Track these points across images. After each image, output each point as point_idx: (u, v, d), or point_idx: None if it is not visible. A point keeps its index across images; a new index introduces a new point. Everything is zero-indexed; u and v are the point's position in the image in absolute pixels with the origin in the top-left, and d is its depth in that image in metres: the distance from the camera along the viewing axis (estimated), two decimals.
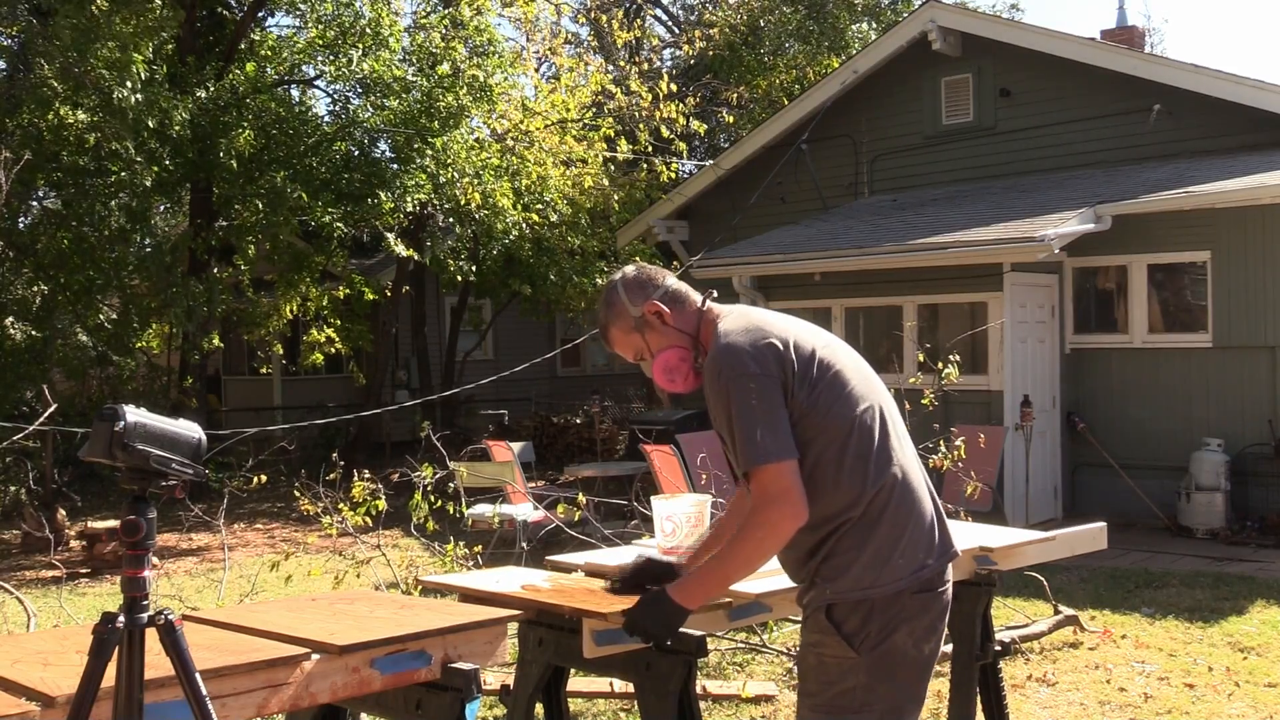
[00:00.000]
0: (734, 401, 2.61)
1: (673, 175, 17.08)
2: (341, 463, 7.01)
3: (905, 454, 2.73)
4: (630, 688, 4.64)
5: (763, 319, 2.76)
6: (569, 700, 3.98)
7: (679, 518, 3.39)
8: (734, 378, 2.62)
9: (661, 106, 15.56)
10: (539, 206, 15.44)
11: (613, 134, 16.41)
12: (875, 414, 2.70)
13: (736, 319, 2.77)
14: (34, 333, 12.39)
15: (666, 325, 2.83)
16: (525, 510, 8.94)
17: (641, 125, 16.14)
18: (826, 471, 2.63)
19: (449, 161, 13.58)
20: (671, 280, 2.89)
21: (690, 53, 22.10)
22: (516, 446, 11.14)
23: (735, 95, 20.86)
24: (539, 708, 3.53)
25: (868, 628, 2.61)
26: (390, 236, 13.61)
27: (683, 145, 16.46)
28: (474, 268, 15.82)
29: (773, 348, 2.64)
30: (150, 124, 11.77)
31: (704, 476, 8.86)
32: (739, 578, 2.76)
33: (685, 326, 2.84)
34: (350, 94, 14.37)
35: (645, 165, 17.28)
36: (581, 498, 6.48)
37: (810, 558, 2.69)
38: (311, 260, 14.83)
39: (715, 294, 2.92)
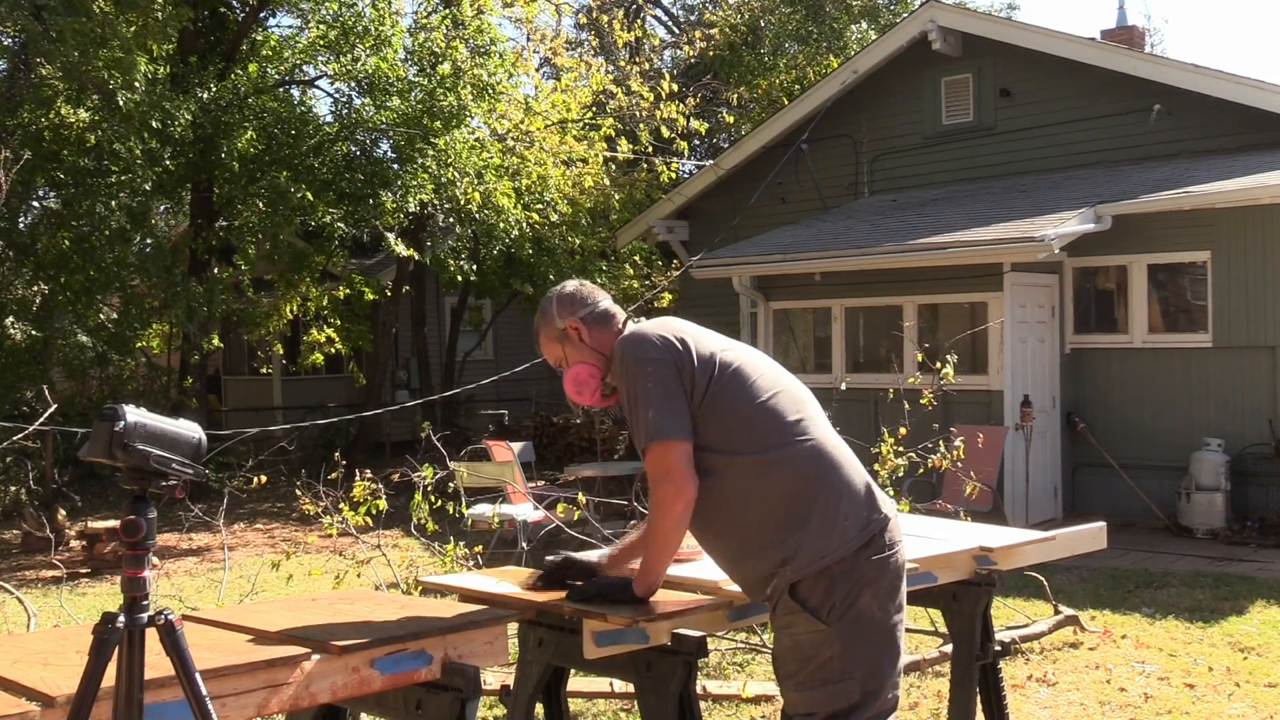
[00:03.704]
0: (633, 382, 2.81)
1: (673, 175, 17.08)
2: (343, 463, 7.01)
3: (821, 432, 2.88)
4: (630, 688, 4.64)
5: (673, 321, 2.97)
6: (569, 700, 3.98)
7: None
8: (634, 360, 2.82)
9: (662, 106, 15.56)
10: (539, 206, 15.44)
11: (613, 134, 16.41)
12: (782, 400, 2.86)
13: (648, 322, 3.00)
14: (34, 333, 12.38)
15: (583, 343, 3.04)
16: (525, 510, 8.94)
17: (642, 125, 16.14)
18: (750, 465, 2.78)
19: (450, 161, 13.58)
20: (605, 303, 3.10)
21: (690, 53, 22.10)
22: (516, 446, 11.13)
23: (735, 95, 20.86)
24: (539, 708, 3.53)
25: (832, 598, 2.72)
26: (391, 236, 13.61)
27: (683, 145, 16.45)
28: (474, 267, 15.82)
29: (672, 343, 2.84)
30: (154, 123, 11.77)
31: None
32: (667, 559, 2.94)
33: (600, 346, 3.03)
34: (353, 94, 14.39)
35: (645, 165, 17.28)
36: (581, 498, 6.48)
37: (764, 549, 2.78)
38: (311, 260, 14.83)
39: (641, 320, 3.09)
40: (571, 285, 3.16)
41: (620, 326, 3.05)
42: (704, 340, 2.90)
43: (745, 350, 2.97)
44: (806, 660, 2.74)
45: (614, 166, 17.59)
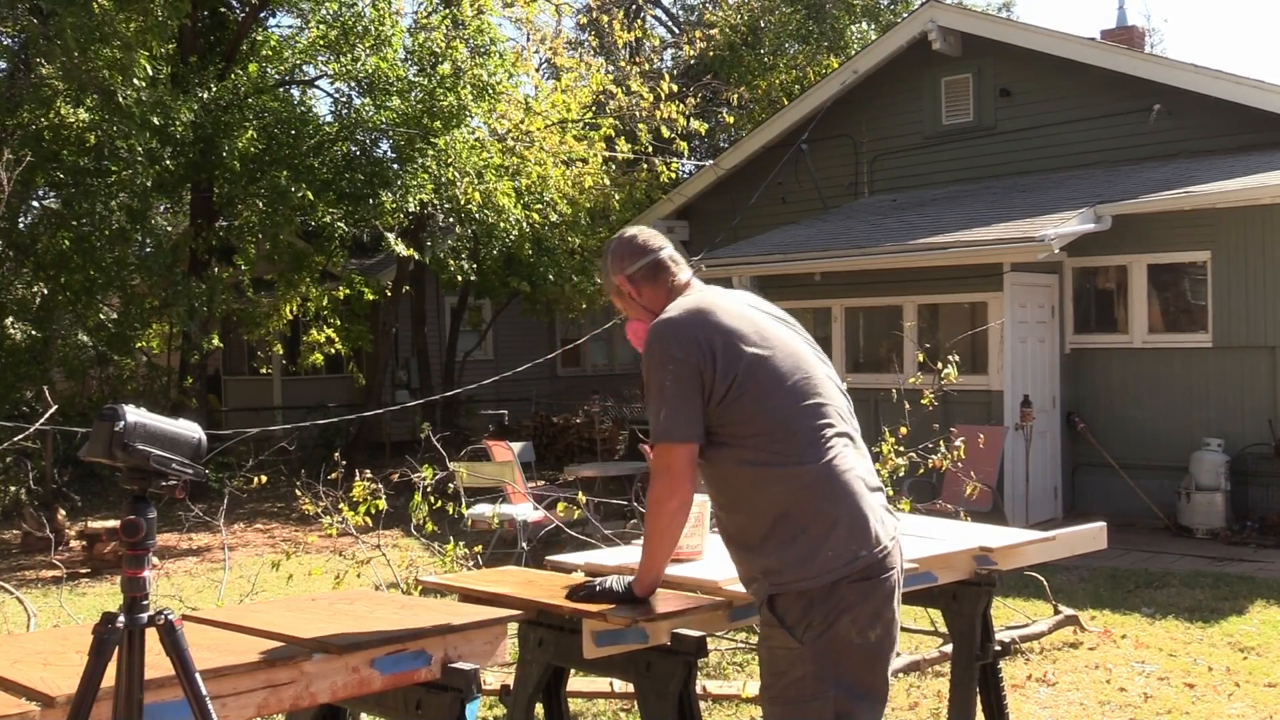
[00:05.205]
0: (653, 376, 2.78)
1: (673, 175, 17.08)
2: (343, 463, 7.01)
3: (837, 450, 2.78)
4: (630, 688, 4.64)
5: (713, 306, 2.85)
6: (569, 700, 3.98)
7: None
8: (658, 355, 2.78)
9: (662, 106, 15.56)
10: (539, 206, 15.45)
11: (613, 134, 16.42)
12: (805, 414, 2.77)
13: (689, 300, 2.91)
14: (34, 333, 12.38)
15: (634, 300, 3.01)
16: (525, 510, 8.94)
17: (642, 125, 16.14)
18: (752, 471, 2.74)
19: (450, 161, 13.58)
20: (664, 252, 3.02)
21: (691, 53, 22.10)
22: (516, 446, 11.13)
23: (735, 95, 20.86)
24: (539, 708, 3.53)
25: (809, 618, 2.67)
26: (391, 236, 13.61)
27: (683, 145, 16.45)
28: (474, 267, 15.82)
29: (701, 339, 2.77)
30: (155, 121, 11.77)
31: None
32: (664, 556, 2.95)
33: (652, 305, 2.99)
34: (353, 94, 14.39)
35: (645, 165, 17.28)
36: (581, 498, 6.49)
37: (750, 554, 2.78)
38: (311, 260, 14.82)
39: (702, 268, 3.04)
40: (630, 232, 3.08)
41: (672, 282, 2.99)
42: (739, 336, 2.79)
43: (786, 345, 2.86)
44: (779, 675, 2.72)
45: (614, 166, 17.60)
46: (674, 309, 2.87)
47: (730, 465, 2.78)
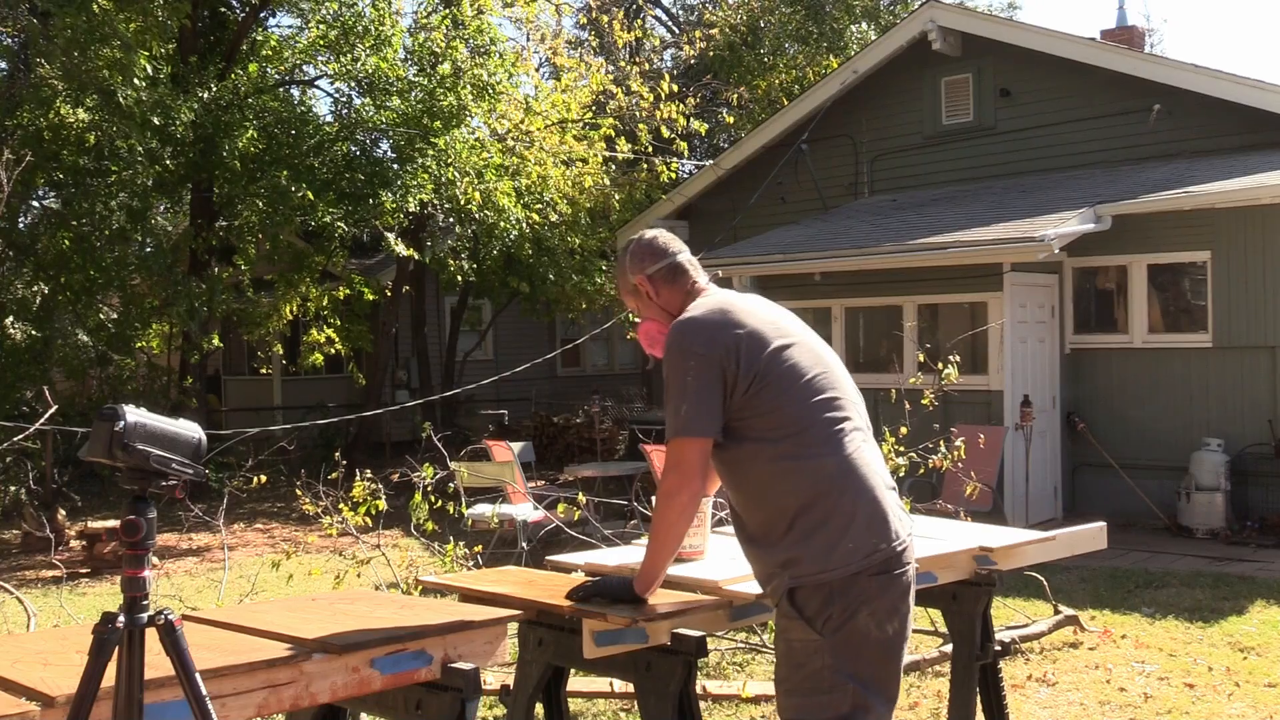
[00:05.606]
0: (673, 374, 2.80)
1: (673, 175, 17.08)
2: (343, 463, 7.00)
3: (856, 445, 2.81)
4: (630, 688, 4.64)
5: (734, 306, 2.89)
6: (569, 700, 3.98)
7: None
8: (679, 353, 2.81)
9: (662, 107, 15.56)
10: (539, 206, 15.45)
11: (613, 134, 16.42)
12: (825, 407, 2.81)
13: (710, 300, 2.95)
14: (34, 333, 12.38)
15: (651, 300, 3.04)
16: (525, 510, 8.94)
17: (642, 125, 16.14)
18: (772, 464, 2.76)
19: (450, 161, 13.59)
20: (681, 256, 3.07)
21: (690, 53, 22.10)
22: (516, 446, 11.13)
23: (735, 95, 20.86)
24: (539, 708, 3.53)
25: (829, 610, 2.69)
26: (391, 236, 13.61)
27: (683, 145, 16.45)
28: (474, 267, 15.82)
29: (724, 336, 2.79)
30: (155, 121, 11.77)
31: None
32: (668, 551, 2.93)
33: (669, 305, 3.03)
34: (353, 94, 14.40)
35: (645, 165, 17.28)
36: (581, 498, 6.49)
37: (769, 551, 2.78)
38: (311, 260, 14.82)
39: (719, 274, 3.05)
40: (650, 234, 3.12)
41: (690, 285, 3.03)
42: (760, 334, 2.82)
43: (803, 345, 2.89)
44: (797, 667, 2.74)
45: (614, 166, 17.59)
46: (696, 308, 2.91)
47: (751, 460, 2.78)
